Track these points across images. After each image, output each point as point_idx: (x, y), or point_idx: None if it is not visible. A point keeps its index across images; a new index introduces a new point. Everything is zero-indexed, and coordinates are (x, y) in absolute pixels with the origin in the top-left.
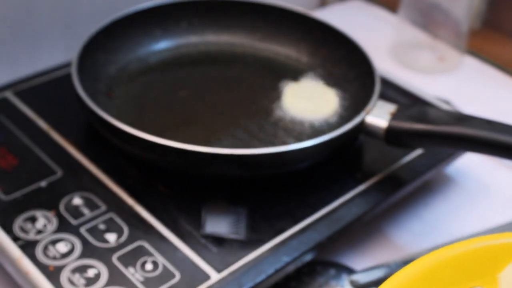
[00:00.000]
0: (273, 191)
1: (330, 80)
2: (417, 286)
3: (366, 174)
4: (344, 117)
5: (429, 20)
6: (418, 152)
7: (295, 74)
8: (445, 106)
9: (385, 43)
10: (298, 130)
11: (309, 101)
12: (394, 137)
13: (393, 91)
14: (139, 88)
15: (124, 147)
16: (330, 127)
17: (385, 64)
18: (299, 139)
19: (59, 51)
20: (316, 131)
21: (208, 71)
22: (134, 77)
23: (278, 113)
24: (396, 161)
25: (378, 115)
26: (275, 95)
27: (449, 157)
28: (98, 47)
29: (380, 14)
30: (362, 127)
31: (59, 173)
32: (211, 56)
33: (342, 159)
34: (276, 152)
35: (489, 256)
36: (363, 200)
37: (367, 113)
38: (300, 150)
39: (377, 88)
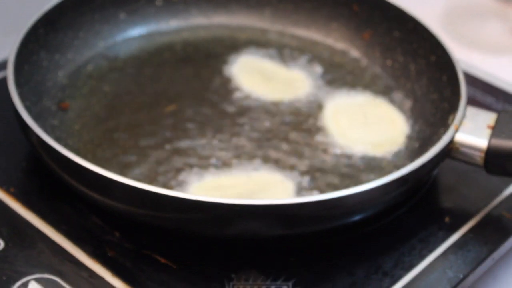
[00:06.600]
0: (327, 255)
1: (381, 78)
2: None
3: (457, 217)
4: (413, 137)
5: None
6: None
7: (328, 68)
8: None
9: (433, 11)
10: (350, 162)
11: (356, 114)
12: (498, 162)
13: (471, 87)
14: (103, 104)
15: (97, 198)
16: (398, 153)
17: None
18: (357, 176)
19: None
20: (375, 160)
21: (201, 71)
22: (94, 84)
23: (315, 135)
24: (497, 194)
25: (473, 131)
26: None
27: None
28: (39, 45)
29: None
30: (451, 152)
31: (0, 244)
32: (202, 48)
33: (418, 198)
34: (333, 198)
35: None
36: (460, 258)
37: (457, 129)
38: (368, 192)
39: (463, 88)
